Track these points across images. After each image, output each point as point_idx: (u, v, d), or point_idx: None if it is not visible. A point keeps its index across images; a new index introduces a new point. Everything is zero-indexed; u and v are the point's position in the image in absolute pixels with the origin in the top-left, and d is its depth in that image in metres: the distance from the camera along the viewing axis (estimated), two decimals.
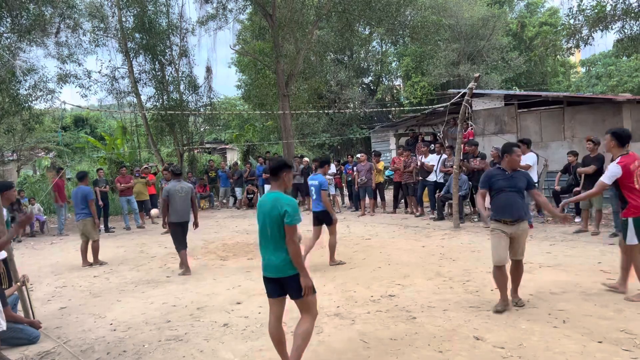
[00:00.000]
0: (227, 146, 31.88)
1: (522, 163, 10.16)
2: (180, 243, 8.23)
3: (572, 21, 14.62)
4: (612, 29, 14.18)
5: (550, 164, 12.88)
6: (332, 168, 15.00)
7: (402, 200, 14.13)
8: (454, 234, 10.27)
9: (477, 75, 11.19)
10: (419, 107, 22.03)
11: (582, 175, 9.62)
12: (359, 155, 15.65)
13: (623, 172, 5.37)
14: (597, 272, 6.52)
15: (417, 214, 13.09)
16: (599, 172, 9.12)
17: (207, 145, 31.04)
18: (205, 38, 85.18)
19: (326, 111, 26.97)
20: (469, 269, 7.15)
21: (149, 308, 6.25)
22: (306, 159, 16.82)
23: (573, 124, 13.28)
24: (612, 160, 5.62)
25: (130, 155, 21.74)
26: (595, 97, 14.28)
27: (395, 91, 35.56)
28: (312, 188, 7.96)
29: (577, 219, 10.17)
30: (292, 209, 3.82)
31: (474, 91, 11.75)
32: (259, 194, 18.36)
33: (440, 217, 12.14)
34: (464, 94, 11.29)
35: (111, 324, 5.70)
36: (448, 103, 12.54)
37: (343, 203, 16.22)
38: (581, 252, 7.81)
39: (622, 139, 5.50)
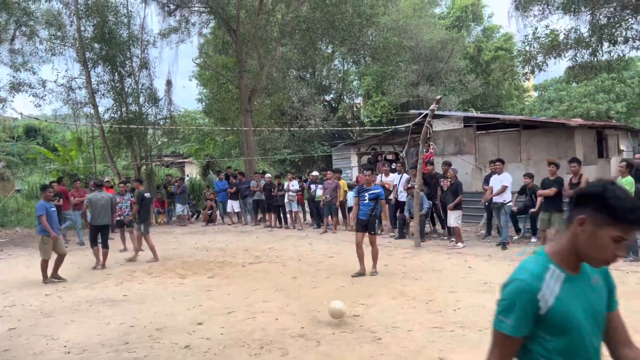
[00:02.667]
0: (185, 160, 31.36)
1: (499, 183, 10.43)
2: (93, 241, 10.02)
3: (527, 48, 15.24)
4: (564, 56, 14.87)
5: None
6: (295, 185, 14.97)
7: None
8: (415, 252, 10.37)
9: (438, 97, 11.47)
10: (380, 127, 22.33)
11: (540, 197, 9.93)
12: (315, 173, 15.68)
13: None
14: None
15: (380, 231, 13.14)
16: (559, 194, 9.45)
17: (166, 159, 30.42)
18: (167, 50, 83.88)
19: (288, 127, 27.01)
20: (430, 289, 7.22)
21: (106, 329, 6.00)
22: (268, 175, 16.72)
23: (528, 146, 13.75)
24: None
25: (85, 167, 21.09)
26: (550, 122, 14.86)
27: (356, 109, 36.04)
28: (369, 195, 8.25)
29: (534, 239, 10.47)
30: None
31: (435, 112, 12.00)
32: (217, 210, 18.05)
33: (401, 236, 12.25)
34: (426, 114, 11.52)
35: (65, 346, 5.44)
36: (410, 123, 12.77)
37: (305, 220, 16.16)
38: None
39: None
